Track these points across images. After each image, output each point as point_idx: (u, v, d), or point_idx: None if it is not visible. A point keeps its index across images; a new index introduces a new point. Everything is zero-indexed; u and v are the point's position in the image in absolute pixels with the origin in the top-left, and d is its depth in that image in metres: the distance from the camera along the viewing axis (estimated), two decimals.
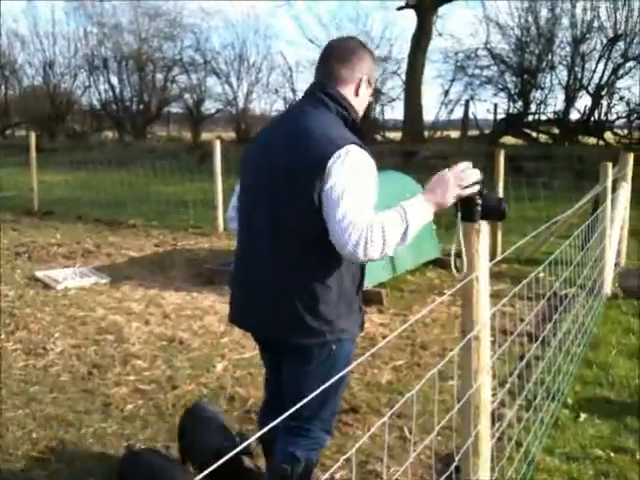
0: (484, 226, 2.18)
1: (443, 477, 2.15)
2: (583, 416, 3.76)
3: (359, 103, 2.43)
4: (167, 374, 4.42)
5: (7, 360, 4.66)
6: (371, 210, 2.24)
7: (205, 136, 25.78)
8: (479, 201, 2.15)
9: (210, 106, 27.85)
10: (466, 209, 2.17)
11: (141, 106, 27.77)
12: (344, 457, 1.96)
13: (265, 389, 2.69)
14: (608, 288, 6.10)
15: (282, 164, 2.26)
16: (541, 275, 5.29)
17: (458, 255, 2.22)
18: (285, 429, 2.37)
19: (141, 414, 3.84)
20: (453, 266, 2.26)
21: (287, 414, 1.59)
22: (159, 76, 27.89)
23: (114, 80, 27.96)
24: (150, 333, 5.21)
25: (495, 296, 2.32)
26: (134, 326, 5.38)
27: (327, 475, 2.12)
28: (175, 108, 29.00)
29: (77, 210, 11.33)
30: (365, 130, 2.59)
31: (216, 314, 5.70)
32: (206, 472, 1.31)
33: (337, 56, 2.37)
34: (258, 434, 1.66)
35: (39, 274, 7.00)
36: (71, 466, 3.28)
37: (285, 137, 2.31)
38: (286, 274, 2.28)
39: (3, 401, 4.01)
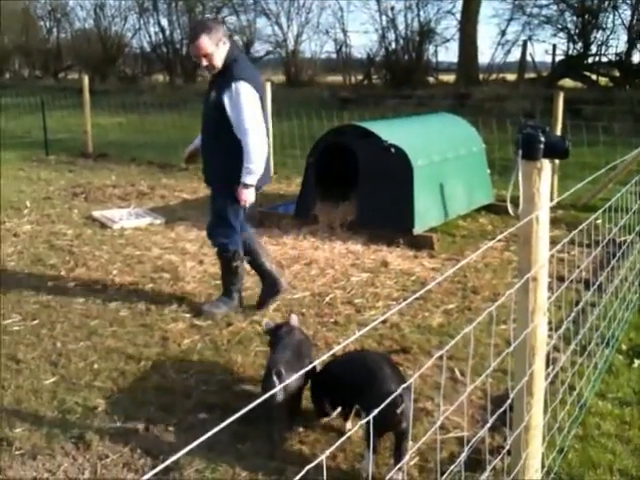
0: (546, 165, 2.12)
1: (497, 414, 2.17)
2: (637, 362, 3.72)
3: None
4: None
5: (68, 295, 4.84)
6: None
7: None
8: (542, 138, 2.08)
9: (259, 48, 27.65)
10: (528, 146, 2.11)
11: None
12: (395, 394, 2.00)
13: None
14: None
15: None
16: (598, 221, 5.19)
17: (513, 202, 2.16)
18: None
19: (198, 348, 3.96)
20: (509, 206, 2.22)
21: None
22: (209, 17, 27.64)
23: (164, 22, 27.92)
24: (204, 272, 5.32)
25: (550, 242, 2.27)
26: (189, 265, 5.50)
27: (376, 411, 2.15)
28: None
29: (130, 152, 11.49)
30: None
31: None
32: None
33: None
34: None
35: (96, 214, 7.19)
36: (131, 396, 3.42)
37: None
38: None
39: (65, 334, 4.18)
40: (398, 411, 2.53)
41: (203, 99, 4.41)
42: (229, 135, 4.14)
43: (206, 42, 4.06)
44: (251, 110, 4.08)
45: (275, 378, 2.85)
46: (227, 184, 4.21)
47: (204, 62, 4.14)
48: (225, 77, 4.13)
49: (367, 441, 2.72)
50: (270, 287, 4.59)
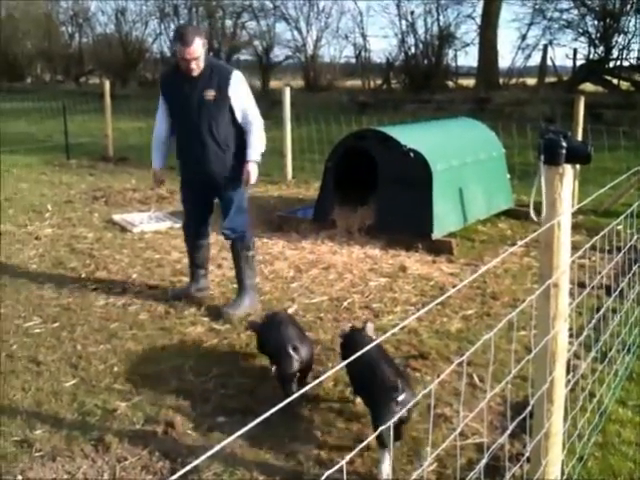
0: (568, 170, 2.11)
1: (516, 421, 2.15)
2: None
3: None
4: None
5: (88, 298, 4.88)
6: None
7: (274, 84, 25.70)
8: (564, 143, 2.06)
9: (279, 53, 27.75)
10: (550, 152, 2.09)
11: (211, 53, 27.74)
12: (415, 399, 1.99)
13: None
14: None
15: None
16: (619, 227, 5.13)
17: (534, 207, 2.15)
18: None
19: (216, 352, 3.98)
20: (532, 212, 2.20)
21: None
22: (228, 22, 27.86)
23: None
24: (223, 276, 5.34)
25: (571, 248, 2.26)
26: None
27: (396, 418, 2.17)
28: (244, 55, 29.01)
29: (150, 157, 11.52)
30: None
31: (286, 260, 5.78)
32: None
33: None
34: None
35: (116, 218, 7.24)
36: (151, 399, 3.44)
37: None
38: None
39: (85, 336, 4.22)
40: (398, 400, 2.59)
41: (175, 102, 4.54)
42: (228, 127, 4.37)
43: (199, 46, 4.21)
44: (251, 96, 4.44)
45: (292, 351, 3.18)
46: (237, 174, 4.40)
47: (193, 65, 4.24)
48: (212, 75, 4.30)
49: (381, 446, 2.71)
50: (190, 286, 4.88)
